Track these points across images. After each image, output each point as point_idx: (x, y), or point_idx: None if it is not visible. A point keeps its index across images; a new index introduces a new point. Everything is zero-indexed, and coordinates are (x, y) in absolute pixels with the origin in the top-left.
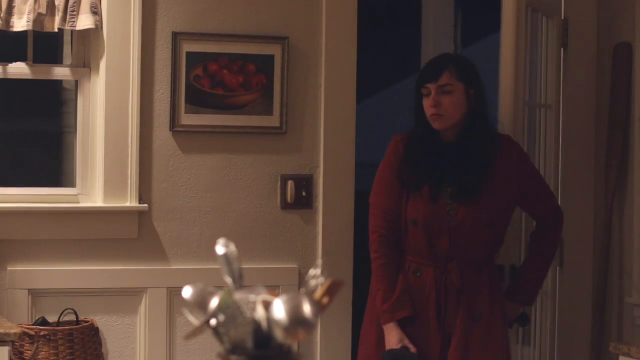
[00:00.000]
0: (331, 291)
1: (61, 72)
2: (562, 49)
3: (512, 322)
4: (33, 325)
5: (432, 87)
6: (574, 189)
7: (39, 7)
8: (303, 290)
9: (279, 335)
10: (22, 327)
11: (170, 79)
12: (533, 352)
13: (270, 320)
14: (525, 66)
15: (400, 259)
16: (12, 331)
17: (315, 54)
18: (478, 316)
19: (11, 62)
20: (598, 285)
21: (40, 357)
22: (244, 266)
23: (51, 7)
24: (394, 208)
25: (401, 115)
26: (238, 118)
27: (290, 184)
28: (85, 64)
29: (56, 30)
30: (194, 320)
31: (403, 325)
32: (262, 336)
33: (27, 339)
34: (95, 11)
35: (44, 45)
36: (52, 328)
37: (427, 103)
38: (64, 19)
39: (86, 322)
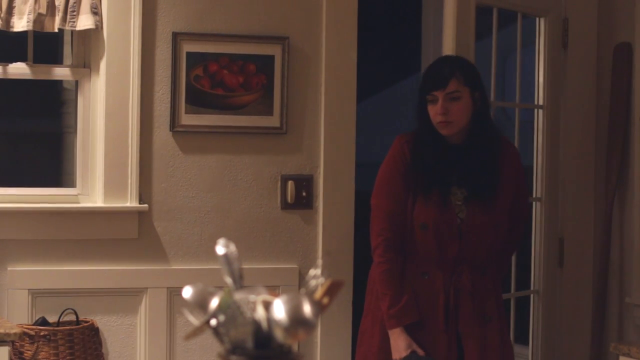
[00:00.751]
0: (331, 291)
1: (61, 72)
2: (562, 49)
3: None
4: (33, 325)
5: (439, 94)
6: (574, 189)
7: (39, 7)
8: (303, 290)
9: (279, 335)
10: (22, 327)
11: (170, 79)
12: (533, 352)
13: (270, 320)
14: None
15: (403, 262)
16: (12, 331)
17: (315, 54)
18: (489, 318)
19: (11, 62)
20: (598, 285)
21: (40, 357)
22: (244, 266)
23: (51, 7)
24: (398, 211)
25: (401, 115)
26: (238, 118)
27: (290, 184)
28: (85, 64)
29: (56, 30)
30: (194, 320)
31: (409, 329)
32: (262, 336)
33: (27, 338)
34: (95, 11)
35: (44, 45)
36: (52, 328)
37: (433, 110)
38: (64, 19)
39: (86, 322)
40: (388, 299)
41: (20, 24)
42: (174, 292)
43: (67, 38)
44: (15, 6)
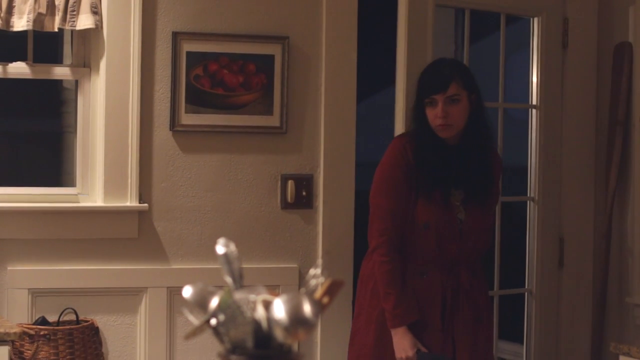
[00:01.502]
0: (331, 291)
1: (61, 72)
2: (562, 49)
3: None
4: (33, 324)
5: (439, 97)
6: (574, 189)
7: (38, 7)
8: (303, 290)
9: (279, 335)
10: (22, 326)
11: (170, 78)
12: (527, 351)
13: (270, 320)
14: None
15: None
16: (12, 331)
17: (315, 54)
18: (481, 318)
19: (11, 62)
20: (598, 285)
21: (40, 356)
22: (244, 266)
23: (51, 6)
24: (399, 210)
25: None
26: (238, 118)
27: (290, 183)
28: (85, 63)
29: (56, 29)
30: (194, 320)
31: (410, 327)
32: (262, 336)
33: (27, 338)
34: (95, 11)
35: (44, 45)
36: (52, 327)
37: (432, 112)
38: (63, 19)
39: (86, 321)
40: (393, 298)
41: (20, 23)
42: (174, 292)
43: (67, 38)
44: (15, 6)
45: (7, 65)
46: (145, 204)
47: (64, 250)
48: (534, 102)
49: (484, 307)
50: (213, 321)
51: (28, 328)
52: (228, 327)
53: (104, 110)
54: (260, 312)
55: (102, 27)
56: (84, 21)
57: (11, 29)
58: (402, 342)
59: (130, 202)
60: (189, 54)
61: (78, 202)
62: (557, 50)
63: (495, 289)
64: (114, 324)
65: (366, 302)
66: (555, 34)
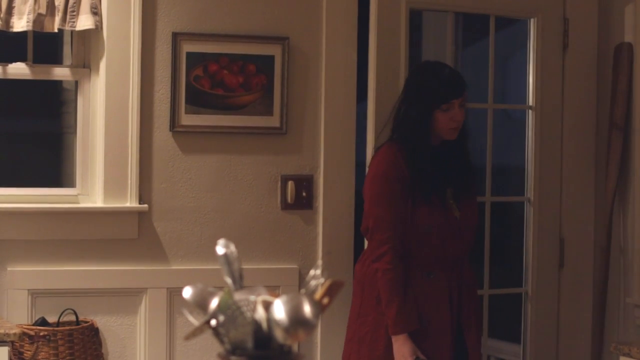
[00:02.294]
0: (331, 291)
1: (61, 72)
2: (562, 49)
3: None
4: (33, 325)
5: (457, 102)
6: (574, 189)
7: (38, 7)
8: (303, 290)
9: (279, 335)
10: (22, 327)
11: (170, 79)
12: (529, 352)
13: (270, 320)
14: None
15: (407, 266)
16: (12, 331)
17: (315, 54)
18: (478, 308)
19: (11, 62)
20: (598, 286)
21: (40, 357)
22: (244, 266)
23: (51, 7)
24: (399, 219)
25: None
26: (238, 118)
27: (290, 184)
28: (85, 64)
29: (56, 30)
30: (194, 320)
31: (418, 330)
32: (262, 336)
33: (27, 339)
34: (95, 11)
35: (44, 45)
36: (51, 328)
37: (446, 116)
38: (63, 19)
39: (86, 322)
40: (395, 306)
41: (20, 24)
42: (174, 292)
43: (67, 38)
44: (15, 6)
45: (7, 65)
46: (145, 205)
47: (64, 251)
48: (531, 103)
49: (478, 300)
50: (213, 322)
51: (28, 329)
52: (228, 328)
53: (104, 110)
54: (260, 313)
55: (102, 27)
56: (84, 22)
57: (11, 30)
58: (402, 349)
59: (130, 202)
60: (188, 54)
61: (78, 203)
62: (557, 51)
63: (485, 287)
64: (114, 325)
65: (372, 307)
66: (554, 35)
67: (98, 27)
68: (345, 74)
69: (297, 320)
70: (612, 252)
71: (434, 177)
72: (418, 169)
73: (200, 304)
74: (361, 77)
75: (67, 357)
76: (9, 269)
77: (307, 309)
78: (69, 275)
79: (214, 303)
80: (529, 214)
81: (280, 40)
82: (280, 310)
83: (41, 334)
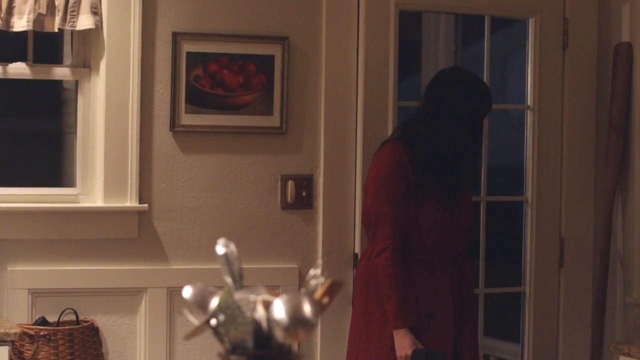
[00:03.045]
0: (331, 291)
1: (61, 72)
2: (561, 49)
3: None
4: (33, 325)
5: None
6: (574, 189)
7: (38, 7)
8: (303, 290)
9: (279, 335)
10: (22, 326)
11: (170, 79)
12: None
13: (270, 320)
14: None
15: (410, 263)
16: (12, 331)
17: (315, 54)
18: (475, 302)
19: (11, 62)
20: (598, 285)
21: (40, 356)
22: (244, 266)
23: (51, 7)
24: (403, 216)
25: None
26: (238, 118)
27: (290, 183)
28: (85, 64)
29: (56, 30)
30: (194, 320)
31: (425, 321)
32: (262, 336)
33: (27, 338)
34: (95, 11)
35: (44, 45)
36: (52, 328)
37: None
38: (63, 19)
39: (86, 322)
40: (395, 301)
41: (20, 23)
42: (174, 292)
43: (67, 38)
44: (15, 6)
45: (7, 65)
46: (145, 204)
47: (64, 251)
48: (529, 103)
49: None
50: (213, 321)
51: (28, 328)
52: (228, 328)
53: (104, 110)
54: (260, 313)
55: (102, 27)
56: (84, 21)
57: (11, 30)
58: (402, 341)
59: (130, 202)
60: (188, 54)
61: (78, 203)
62: (557, 51)
63: (480, 286)
64: (114, 324)
65: (378, 304)
66: (554, 35)
67: (98, 27)
68: (345, 74)
69: (297, 320)
70: (612, 252)
71: (442, 176)
72: (427, 169)
73: (200, 303)
74: None
75: (67, 357)
76: (9, 268)
77: (307, 308)
78: (69, 274)
79: (214, 303)
80: (527, 214)
81: (280, 40)
82: (280, 309)
83: (41, 333)
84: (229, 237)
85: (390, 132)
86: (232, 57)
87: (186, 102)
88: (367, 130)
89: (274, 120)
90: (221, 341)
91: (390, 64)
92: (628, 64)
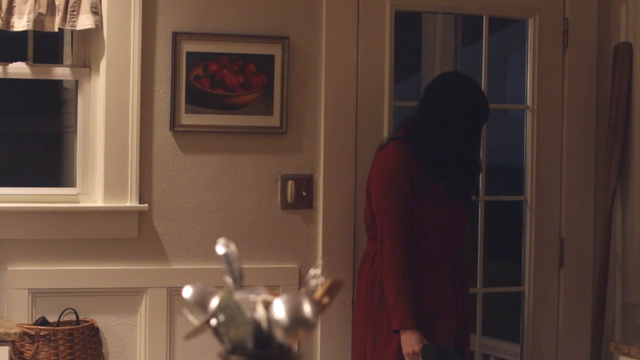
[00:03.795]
0: (331, 291)
1: (61, 72)
2: (561, 49)
3: None
4: (33, 325)
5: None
6: (574, 189)
7: (39, 7)
8: (303, 290)
9: (279, 335)
10: (22, 326)
11: (170, 78)
12: (526, 352)
13: (270, 320)
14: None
15: (415, 261)
16: (12, 331)
17: (315, 54)
18: (469, 296)
19: (11, 62)
20: (598, 285)
21: (40, 356)
22: (244, 266)
23: (51, 6)
24: (408, 215)
25: (401, 114)
26: (238, 118)
27: (290, 183)
28: (85, 63)
29: (56, 30)
30: (194, 320)
31: (430, 319)
32: (262, 336)
33: (27, 338)
34: (95, 11)
35: (44, 45)
36: (52, 328)
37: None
38: (64, 19)
39: (86, 321)
40: (404, 300)
41: (20, 23)
42: (174, 292)
43: (67, 38)
44: (15, 6)
45: (7, 65)
46: (145, 204)
47: (64, 251)
48: (529, 103)
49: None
50: (213, 321)
51: (28, 328)
52: (228, 327)
53: (104, 110)
54: (260, 313)
55: (102, 27)
56: (84, 21)
57: (11, 29)
58: (409, 339)
59: (131, 202)
60: (189, 54)
61: (78, 203)
62: (557, 51)
63: (478, 285)
64: (114, 324)
65: (384, 303)
66: (554, 34)
67: (98, 27)
68: (345, 74)
69: (297, 320)
70: (611, 252)
71: (446, 176)
72: (433, 169)
73: (200, 303)
74: None
75: (68, 357)
76: (9, 268)
77: (307, 308)
78: (70, 274)
79: (214, 302)
80: (527, 214)
81: (280, 39)
82: (280, 309)
83: (41, 333)
84: (229, 237)
85: (386, 132)
86: (232, 57)
87: (186, 102)
88: (361, 130)
89: (274, 120)
90: (221, 341)
91: (385, 64)
92: (628, 63)
